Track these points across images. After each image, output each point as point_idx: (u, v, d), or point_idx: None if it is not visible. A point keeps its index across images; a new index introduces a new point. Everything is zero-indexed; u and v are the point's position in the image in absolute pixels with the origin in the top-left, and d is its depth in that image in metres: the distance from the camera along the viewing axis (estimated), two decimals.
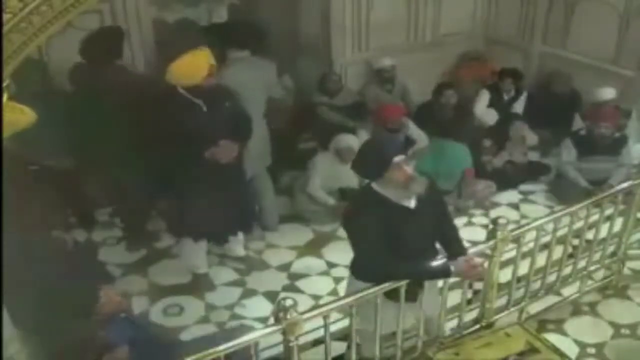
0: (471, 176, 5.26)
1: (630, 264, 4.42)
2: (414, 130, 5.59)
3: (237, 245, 4.54)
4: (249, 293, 4.35)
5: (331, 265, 4.62)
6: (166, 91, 3.78)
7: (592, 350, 3.88)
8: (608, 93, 5.67)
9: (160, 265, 4.62)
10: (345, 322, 3.41)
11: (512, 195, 5.58)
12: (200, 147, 3.75)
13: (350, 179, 4.98)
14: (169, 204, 4.26)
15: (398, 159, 2.85)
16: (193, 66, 3.68)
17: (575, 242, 4.08)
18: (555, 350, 3.41)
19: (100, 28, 4.71)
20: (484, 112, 6.20)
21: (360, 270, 3.06)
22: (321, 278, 4.52)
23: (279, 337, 2.85)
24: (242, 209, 4.26)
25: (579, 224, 3.94)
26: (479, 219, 5.24)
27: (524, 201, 5.53)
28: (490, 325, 3.71)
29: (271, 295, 4.29)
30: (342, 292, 3.60)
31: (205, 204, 3.90)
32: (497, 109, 6.23)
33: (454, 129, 5.56)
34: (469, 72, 6.71)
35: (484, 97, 6.25)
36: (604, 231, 4.06)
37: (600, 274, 4.33)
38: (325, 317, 2.96)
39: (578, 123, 5.81)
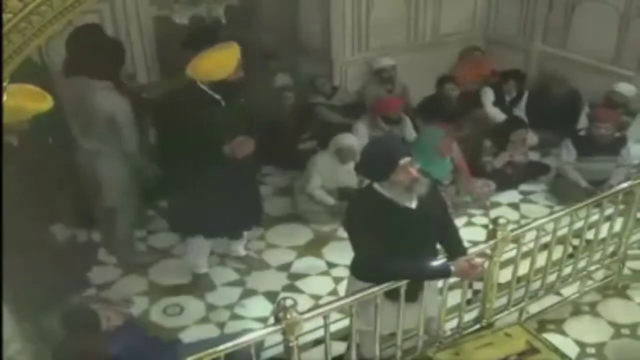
0: (448, 148, 5.15)
1: (630, 264, 4.42)
2: (410, 131, 5.60)
3: (238, 245, 4.55)
4: (249, 293, 4.34)
5: (331, 265, 4.62)
6: (186, 86, 3.80)
7: (592, 350, 3.88)
8: (627, 89, 5.68)
9: (160, 265, 4.61)
10: (345, 322, 3.41)
11: (512, 195, 5.57)
12: (218, 142, 3.78)
13: (350, 178, 4.99)
14: (180, 201, 4.26)
15: (404, 161, 2.85)
16: (225, 61, 3.70)
17: (575, 242, 4.09)
18: (555, 350, 3.41)
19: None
20: (492, 109, 6.22)
21: (361, 270, 3.06)
22: (321, 278, 4.51)
23: (279, 337, 2.86)
24: (255, 204, 4.29)
25: (579, 224, 3.94)
26: (479, 219, 5.23)
27: (524, 201, 5.53)
28: (490, 325, 3.71)
29: (271, 295, 4.29)
30: (342, 292, 3.60)
31: (222, 200, 3.93)
32: (500, 108, 6.25)
33: (459, 121, 5.56)
34: (470, 70, 6.71)
35: (489, 95, 6.26)
36: (604, 231, 4.06)
37: (600, 274, 4.33)
38: (325, 317, 2.96)
39: (584, 122, 5.81)
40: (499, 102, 6.31)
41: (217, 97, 3.78)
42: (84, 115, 3.97)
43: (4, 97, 1.99)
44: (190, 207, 4.03)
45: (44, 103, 3.04)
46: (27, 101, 2.95)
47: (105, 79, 3.90)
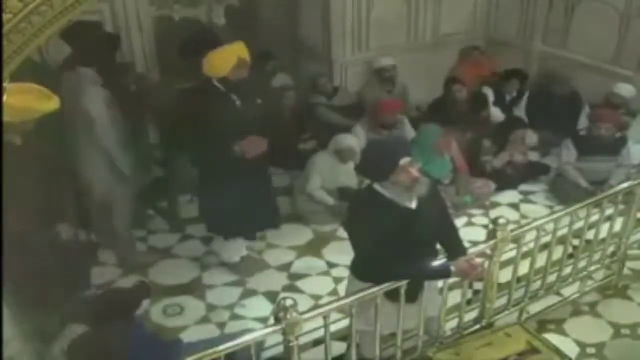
0: (446, 145, 5.17)
1: (630, 264, 4.42)
2: (409, 131, 5.59)
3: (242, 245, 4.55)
4: (249, 293, 4.35)
5: (331, 265, 4.62)
6: (202, 82, 3.88)
7: (592, 350, 3.88)
8: (627, 90, 5.68)
9: (160, 265, 4.62)
10: (345, 322, 3.41)
11: (512, 195, 5.57)
12: (231, 140, 3.84)
13: (350, 178, 4.98)
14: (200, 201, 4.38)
15: (404, 161, 2.85)
16: (222, 58, 3.80)
17: (575, 242, 4.09)
18: (555, 350, 3.41)
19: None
20: (493, 109, 6.21)
21: (361, 270, 3.06)
22: (321, 278, 4.51)
23: (279, 337, 2.86)
24: (269, 205, 4.34)
25: (579, 224, 3.94)
26: (479, 219, 5.23)
27: (524, 201, 5.53)
28: (490, 325, 3.71)
29: (271, 295, 4.29)
30: (342, 292, 3.60)
31: (235, 200, 3.98)
32: (500, 108, 6.24)
33: (468, 122, 5.60)
34: (469, 70, 6.72)
35: (489, 94, 6.26)
36: (604, 231, 4.06)
37: (600, 274, 4.33)
38: (325, 317, 2.97)
39: (584, 122, 5.82)
40: (498, 102, 6.31)
41: (231, 95, 3.85)
42: (73, 110, 3.97)
43: (4, 97, 1.99)
44: (207, 206, 4.19)
45: (51, 103, 3.01)
46: (34, 101, 2.93)
47: (89, 66, 3.93)
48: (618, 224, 4.15)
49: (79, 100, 3.88)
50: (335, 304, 3.07)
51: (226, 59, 3.79)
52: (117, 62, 4.67)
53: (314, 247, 4.84)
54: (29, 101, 2.89)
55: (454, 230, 3.29)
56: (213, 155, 3.89)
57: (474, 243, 3.67)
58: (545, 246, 3.87)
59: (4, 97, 2.00)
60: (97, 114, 3.92)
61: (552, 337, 3.75)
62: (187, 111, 3.94)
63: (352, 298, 3.01)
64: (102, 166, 4.09)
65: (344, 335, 3.50)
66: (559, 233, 3.78)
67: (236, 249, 4.44)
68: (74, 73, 3.98)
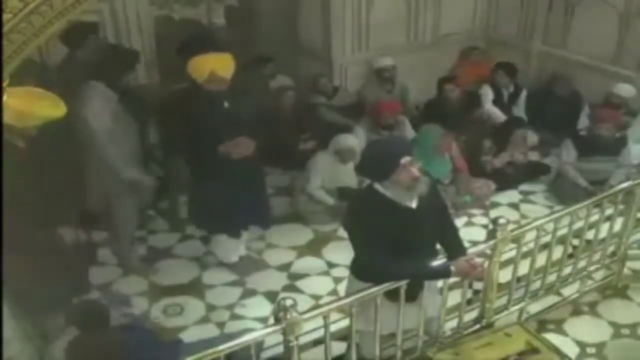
0: (447, 146, 5.17)
1: (630, 264, 4.41)
2: (410, 131, 5.59)
3: (240, 244, 4.55)
4: (249, 293, 4.35)
5: (331, 265, 4.62)
6: (192, 84, 3.88)
7: (592, 350, 3.88)
8: (626, 90, 5.68)
9: (160, 265, 4.61)
10: (345, 322, 3.41)
11: (512, 195, 5.57)
12: (219, 141, 3.83)
13: (350, 178, 4.98)
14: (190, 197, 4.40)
15: (404, 160, 2.85)
16: (196, 67, 3.78)
17: (575, 242, 4.09)
18: (555, 350, 3.41)
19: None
20: (492, 108, 6.21)
21: (361, 270, 3.06)
22: (321, 278, 4.51)
23: (279, 337, 2.86)
24: (256, 204, 4.31)
25: (579, 224, 3.94)
26: (479, 219, 5.23)
27: (524, 201, 5.52)
28: (490, 325, 3.71)
29: (271, 295, 4.29)
30: (342, 292, 3.60)
31: (221, 198, 4.00)
32: (499, 107, 6.24)
33: (461, 122, 5.60)
34: (470, 70, 6.71)
35: (488, 94, 6.25)
36: (604, 231, 4.06)
37: (600, 274, 4.32)
38: (325, 317, 2.97)
39: (585, 122, 5.81)
40: (497, 99, 6.30)
41: (217, 98, 3.82)
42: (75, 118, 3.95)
43: (4, 96, 1.99)
44: (194, 203, 4.23)
45: (57, 110, 2.94)
46: (38, 106, 2.86)
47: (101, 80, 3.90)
48: (618, 224, 4.15)
49: (82, 110, 3.81)
50: (335, 304, 3.07)
51: (200, 70, 3.76)
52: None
53: (314, 247, 4.84)
54: (35, 106, 2.83)
55: (454, 230, 3.29)
56: (201, 154, 3.89)
57: (474, 243, 3.67)
58: (545, 246, 3.87)
59: (4, 97, 2.00)
60: (98, 127, 3.84)
61: (552, 337, 3.76)
62: (178, 111, 3.95)
63: (352, 298, 3.01)
64: (103, 174, 4.04)
65: (344, 335, 3.50)
66: (559, 233, 3.78)
67: (232, 249, 4.43)
68: (87, 84, 3.91)
